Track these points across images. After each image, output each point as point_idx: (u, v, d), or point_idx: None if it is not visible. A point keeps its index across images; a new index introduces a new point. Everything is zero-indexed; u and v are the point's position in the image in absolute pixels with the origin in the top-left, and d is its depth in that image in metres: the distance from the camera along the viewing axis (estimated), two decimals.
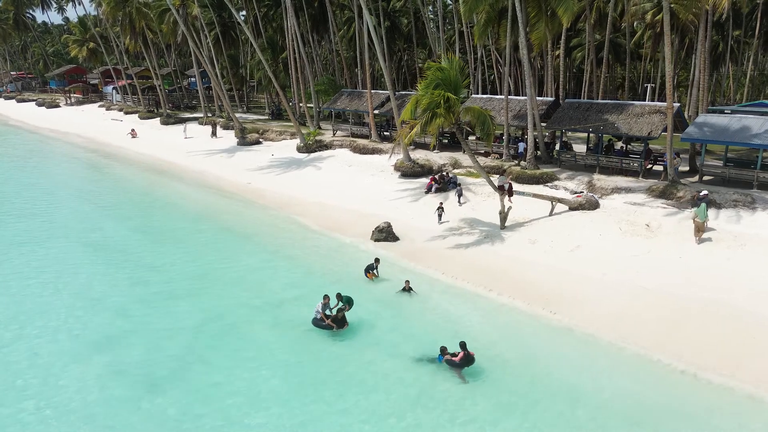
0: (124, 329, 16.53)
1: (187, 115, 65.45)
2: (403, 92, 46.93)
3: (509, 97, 34.12)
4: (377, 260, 19.89)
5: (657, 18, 48.71)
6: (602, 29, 54.42)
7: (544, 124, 33.70)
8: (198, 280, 20.58)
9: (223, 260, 22.84)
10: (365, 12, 34.36)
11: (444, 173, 31.37)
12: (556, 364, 14.50)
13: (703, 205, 21.23)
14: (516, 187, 26.56)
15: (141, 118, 64.97)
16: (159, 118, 61.87)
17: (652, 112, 29.00)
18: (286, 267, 22.01)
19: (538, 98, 33.50)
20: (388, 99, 43.82)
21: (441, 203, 26.08)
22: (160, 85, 63.84)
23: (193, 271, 21.59)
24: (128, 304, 18.37)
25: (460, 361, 13.84)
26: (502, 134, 35.01)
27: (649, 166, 29.84)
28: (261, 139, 48.20)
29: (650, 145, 33.85)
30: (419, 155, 35.81)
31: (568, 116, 31.96)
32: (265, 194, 33.27)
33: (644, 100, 43.23)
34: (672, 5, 46.78)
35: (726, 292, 17.12)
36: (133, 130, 55.23)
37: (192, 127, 54.86)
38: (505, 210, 24.31)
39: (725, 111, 37.48)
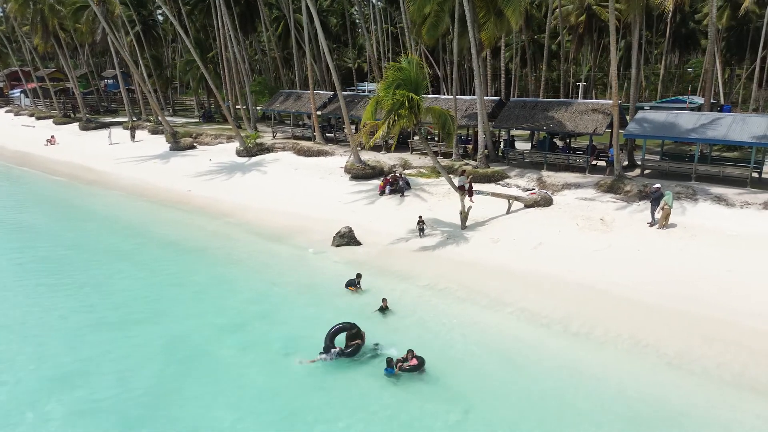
0: (79, 363, 14.66)
1: (109, 119, 61.28)
2: (344, 92, 46.06)
3: (457, 96, 34.25)
4: (359, 276, 18.74)
5: (580, 20, 50.94)
6: (527, 30, 56.25)
7: (491, 123, 34.06)
8: (150, 302, 18.76)
9: (174, 277, 21.16)
10: (312, 8, 33.36)
11: (396, 174, 30.97)
12: (547, 370, 14.32)
13: (670, 193, 22.23)
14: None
15: (56, 123, 60.00)
16: (78, 123, 57.39)
17: (595, 109, 30.03)
18: (245, 280, 20.63)
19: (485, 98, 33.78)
20: (330, 99, 43.00)
21: (420, 217, 24.15)
22: (75, 88, 59.24)
23: (143, 291, 19.65)
24: (77, 334, 16.33)
25: (419, 364, 13.72)
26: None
27: (594, 162, 30.92)
28: (195, 144, 45.73)
29: (581, 141, 35.26)
30: (368, 156, 35.27)
31: (515, 115, 32.51)
32: (208, 202, 31.44)
33: (576, 98, 45.04)
34: (594, 7, 49.37)
35: (689, 286, 17.66)
36: (52, 136, 50.84)
37: (117, 132, 51.20)
38: (466, 210, 24.24)
39: (645, 107, 39.83)
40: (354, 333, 14.74)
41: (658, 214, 22.54)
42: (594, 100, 32.83)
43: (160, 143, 46.58)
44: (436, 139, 37.65)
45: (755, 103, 51.82)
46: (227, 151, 42.83)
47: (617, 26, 48.86)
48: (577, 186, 27.97)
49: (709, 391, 13.14)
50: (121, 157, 43.49)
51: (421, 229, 23.68)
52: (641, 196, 25.38)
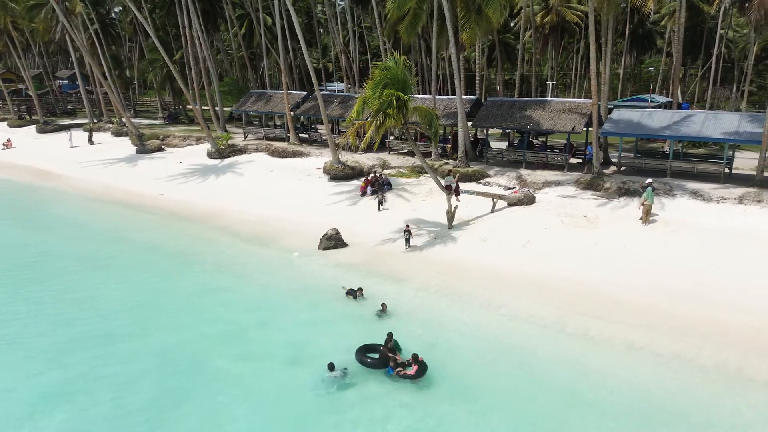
0: (67, 382, 13.82)
1: (67, 121, 58.82)
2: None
3: (437, 96, 34.28)
4: (360, 289, 18.20)
5: (545, 20, 51.76)
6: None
7: (469, 122, 34.22)
8: (136, 312, 17.90)
9: (158, 285, 20.28)
10: (290, 7, 32.81)
11: (377, 175, 30.73)
12: (549, 369, 14.35)
13: (650, 189, 22.70)
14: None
15: (11, 126, 57.22)
16: (35, 126, 54.86)
17: (572, 108, 30.52)
18: (235, 287, 19.97)
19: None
20: (303, 99, 42.41)
21: (408, 226, 22.91)
22: (30, 89, 56.52)
23: (127, 301, 18.71)
24: (61, 349, 15.39)
25: (416, 373, 13.59)
26: (422, 134, 35.19)
27: (576, 160, 31.46)
28: (164, 146, 44.28)
29: (551, 139, 35.86)
30: (346, 157, 34.86)
31: (493, 114, 32.73)
32: (183, 206, 30.45)
33: (540, 97, 45.74)
34: (559, 8, 50.26)
35: (678, 282, 18.05)
36: (8, 140, 48.45)
37: (78, 134, 49.05)
38: (452, 209, 24.21)
39: (609, 106, 40.85)
40: (391, 348, 14.39)
41: (640, 210, 23.07)
42: (571, 99, 33.42)
43: (126, 146, 44.91)
44: (414, 138, 37.58)
45: (712, 100, 53.88)
46: (197, 152, 41.64)
47: (581, 26, 50.16)
48: (557, 184, 28.31)
49: (708, 387, 13.41)
50: (84, 160, 41.73)
51: (408, 239, 22.57)
52: (621, 193, 25.91)
